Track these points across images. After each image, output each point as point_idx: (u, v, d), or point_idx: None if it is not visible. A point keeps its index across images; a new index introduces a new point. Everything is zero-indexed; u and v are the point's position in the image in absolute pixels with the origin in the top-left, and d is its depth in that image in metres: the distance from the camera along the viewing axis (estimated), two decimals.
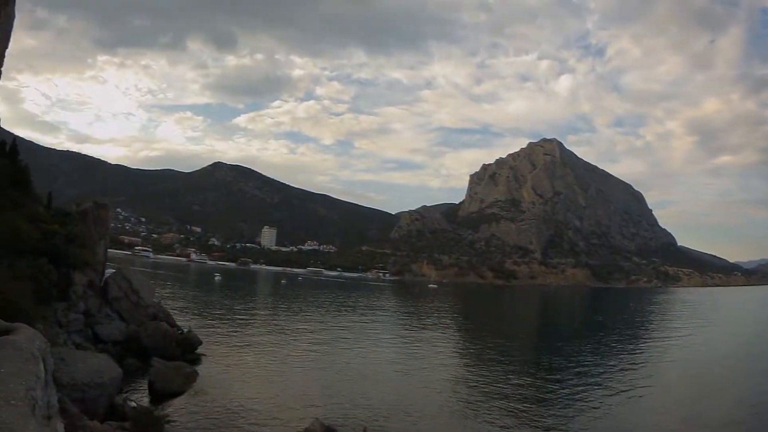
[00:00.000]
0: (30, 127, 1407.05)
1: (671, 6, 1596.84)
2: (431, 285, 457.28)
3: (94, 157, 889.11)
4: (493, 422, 64.93)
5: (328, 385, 77.94)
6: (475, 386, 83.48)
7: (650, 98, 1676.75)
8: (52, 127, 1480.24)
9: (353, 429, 57.29)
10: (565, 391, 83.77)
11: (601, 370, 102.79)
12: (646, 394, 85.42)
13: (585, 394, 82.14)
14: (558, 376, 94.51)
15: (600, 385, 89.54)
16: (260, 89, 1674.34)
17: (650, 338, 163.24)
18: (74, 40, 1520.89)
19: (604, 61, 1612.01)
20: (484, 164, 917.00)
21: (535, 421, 66.57)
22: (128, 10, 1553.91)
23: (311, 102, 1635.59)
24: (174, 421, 53.33)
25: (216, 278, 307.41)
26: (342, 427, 56.12)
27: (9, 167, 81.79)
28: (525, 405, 73.70)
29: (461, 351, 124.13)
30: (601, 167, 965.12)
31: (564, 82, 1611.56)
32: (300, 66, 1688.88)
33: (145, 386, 66.58)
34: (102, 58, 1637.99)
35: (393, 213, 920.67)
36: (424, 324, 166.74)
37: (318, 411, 62.48)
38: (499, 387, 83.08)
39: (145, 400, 61.38)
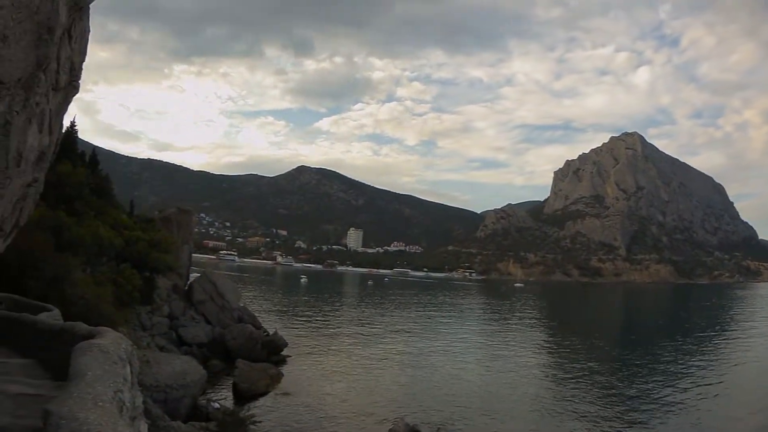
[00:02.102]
0: (109, 137, 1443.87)
1: None
2: (518, 284, 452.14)
3: (175, 165, 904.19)
4: (573, 422, 64.09)
5: (413, 385, 77.85)
6: (559, 386, 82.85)
7: (727, 88, 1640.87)
8: (132, 137, 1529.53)
9: (437, 428, 56.97)
10: (646, 389, 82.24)
11: (685, 369, 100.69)
12: (726, 391, 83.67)
13: (666, 392, 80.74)
14: (641, 375, 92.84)
15: (683, 383, 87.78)
16: (341, 92, 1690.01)
17: (731, 335, 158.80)
18: (149, 51, 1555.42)
19: (680, 51, 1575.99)
20: (567, 160, 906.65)
21: (617, 419, 65.67)
22: (201, 19, 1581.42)
23: (393, 103, 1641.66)
24: (258, 422, 53.60)
25: (302, 280, 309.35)
26: (426, 427, 55.80)
27: (90, 177, 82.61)
28: (607, 404, 72.81)
29: (546, 350, 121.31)
30: (681, 160, 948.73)
31: (642, 74, 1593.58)
32: (380, 68, 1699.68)
33: (230, 388, 67.04)
34: (179, 67, 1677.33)
35: (478, 212, 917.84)
36: (510, 324, 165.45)
37: (402, 411, 62.58)
38: (582, 387, 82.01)
39: (230, 402, 61.72)
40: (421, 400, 69.59)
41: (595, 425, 62.93)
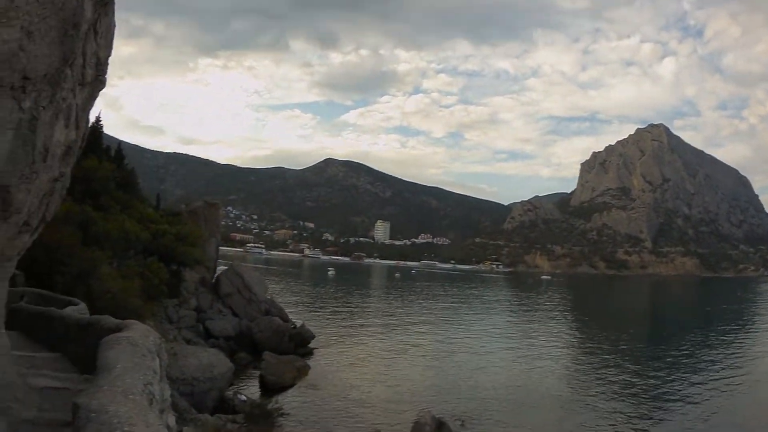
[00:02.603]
0: (135, 131, 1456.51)
1: None
2: (544, 276, 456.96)
3: (202, 158, 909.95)
4: (597, 416, 63.77)
5: (439, 377, 78.12)
6: (585, 379, 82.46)
7: (752, 79, 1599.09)
8: (158, 131, 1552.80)
9: (462, 420, 57.11)
10: (672, 384, 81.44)
11: (711, 364, 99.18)
12: (750, 387, 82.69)
13: (691, 387, 79.62)
14: (667, 370, 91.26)
15: (709, 378, 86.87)
16: (367, 85, 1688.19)
17: (756, 329, 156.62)
18: (174, 46, 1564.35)
19: (704, 42, 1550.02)
20: (593, 152, 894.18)
21: (641, 415, 65.29)
22: (226, 13, 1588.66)
23: (420, 95, 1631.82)
24: (285, 414, 53.68)
25: (329, 273, 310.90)
26: (452, 419, 55.72)
27: (116, 171, 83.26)
28: (632, 399, 72.17)
29: (573, 344, 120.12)
30: (707, 152, 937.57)
31: (667, 66, 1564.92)
32: (406, 60, 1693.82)
33: (257, 380, 67.34)
34: (204, 61, 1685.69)
35: (505, 204, 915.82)
36: (537, 317, 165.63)
37: (428, 402, 62.55)
38: (607, 381, 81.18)
39: (257, 394, 62.02)
40: (447, 392, 69.80)
41: (619, 420, 62.51)
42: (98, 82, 18.02)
